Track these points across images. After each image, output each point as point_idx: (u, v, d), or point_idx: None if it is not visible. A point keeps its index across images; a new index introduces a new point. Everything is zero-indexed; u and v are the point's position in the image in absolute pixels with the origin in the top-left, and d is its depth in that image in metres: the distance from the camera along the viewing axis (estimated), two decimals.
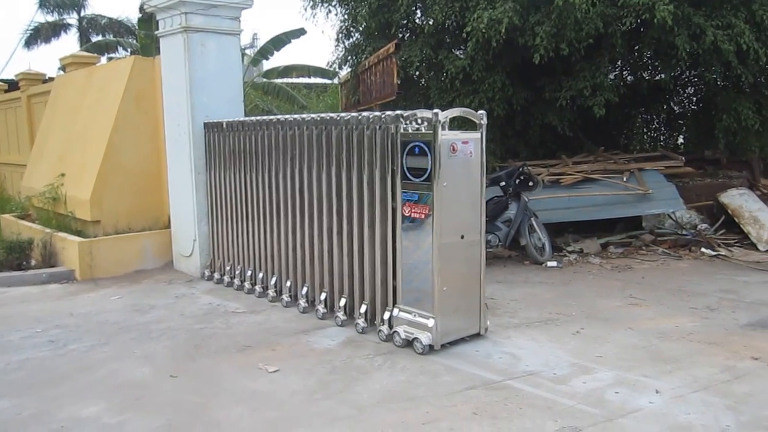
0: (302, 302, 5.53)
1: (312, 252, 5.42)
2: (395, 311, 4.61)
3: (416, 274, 4.45)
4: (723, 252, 7.91)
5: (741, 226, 8.44)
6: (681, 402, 3.70)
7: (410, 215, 4.41)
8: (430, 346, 4.39)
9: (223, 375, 4.21)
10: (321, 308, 5.28)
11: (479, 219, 4.50)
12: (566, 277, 6.76)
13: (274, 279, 5.91)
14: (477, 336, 4.63)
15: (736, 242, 8.31)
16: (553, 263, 7.30)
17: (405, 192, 4.44)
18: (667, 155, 9.35)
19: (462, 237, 4.42)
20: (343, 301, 5.11)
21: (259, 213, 5.99)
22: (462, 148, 4.36)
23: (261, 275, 6.06)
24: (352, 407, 3.69)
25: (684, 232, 8.78)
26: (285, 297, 5.72)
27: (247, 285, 6.16)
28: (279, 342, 4.80)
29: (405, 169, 4.42)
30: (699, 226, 8.87)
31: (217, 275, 6.59)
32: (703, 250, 7.98)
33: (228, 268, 6.48)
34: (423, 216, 4.33)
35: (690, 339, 4.77)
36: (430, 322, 4.39)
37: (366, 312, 4.90)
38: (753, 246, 8.13)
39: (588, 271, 7.11)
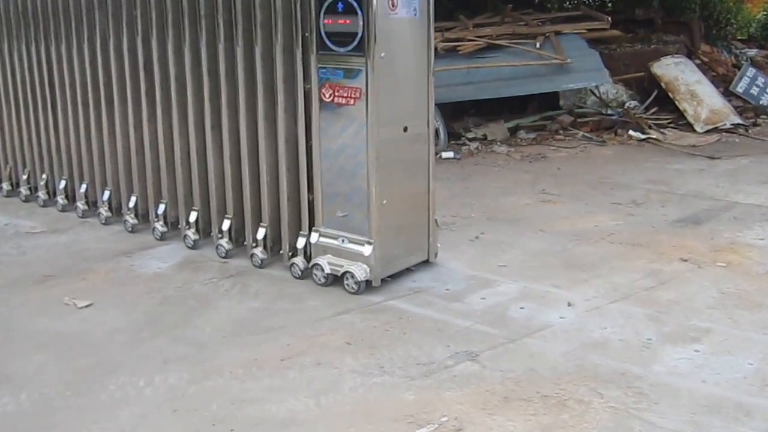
0: (130, 219, 5.40)
1: (168, 154, 5.08)
2: (314, 237, 4.42)
3: (343, 183, 4.24)
4: (654, 135, 8.42)
5: (676, 102, 8.97)
6: (597, 315, 3.98)
7: (332, 100, 4.13)
8: (368, 282, 4.25)
9: (15, 315, 4.10)
10: (191, 233, 5.00)
11: (427, 104, 4.32)
12: (465, 171, 6.98)
13: (84, 187, 5.73)
14: (425, 264, 4.62)
15: (669, 122, 8.85)
16: (449, 154, 7.49)
17: (324, 68, 4.12)
18: (591, 15, 9.63)
19: (405, 129, 4.23)
20: (227, 224, 4.83)
21: (70, 100, 5.66)
22: (404, 2, 4.08)
23: (64, 183, 5.91)
24: (191, 344, 3.70)
25: (609, 112, 9.23)
26: (103, 210, 5.57)
27: (56, 198, 6.02)
28: (92, 268, 4.72)
29: (323, 34, 4.08)
30: (627, 104, 9.34)
31: (5, 185, 6.40)
32: (631, 133, 8.45)
33: (26, 176, 6.26)
34: (352, 101, 4.06)
35: (611, 240, 5.11)
36: (367, 250, 4.23)
37: (266, 239, 4.65)
38: (689, 126, 8.71)
39: (492, 163, 7.37)
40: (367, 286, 4.25)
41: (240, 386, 3.31)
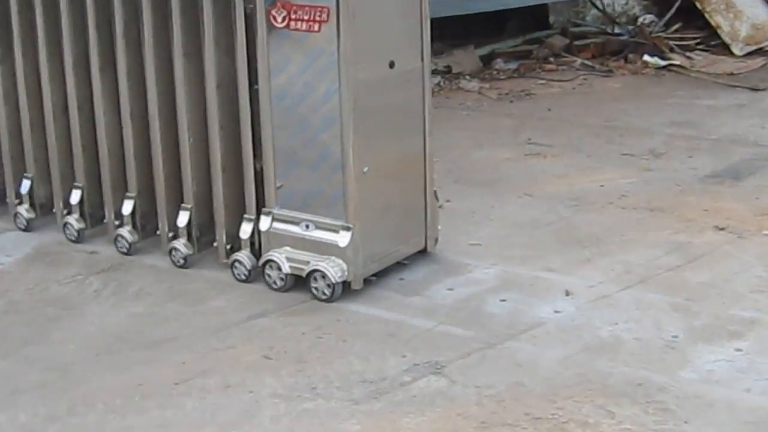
0: None
1: (33, 109, 4.96)
2: (264, 222, 4.37)
3: (306, 145, 4.17)
4: (677, 60, 8.48)
5: (706, 15, 9.01)
6: (604, 307, 4.03)
7: (287, 25, 4.10)
8: (345, 285, 4.17)
9: None
10: (73, 220, 4.87)
11: (420, 28, 4.27)
12: None
13: None
14: (421, 254, 4.58)
15: (698, 43, 8.92)
16: None
17: None
18: None
19: (391, 65, 4.20)
20: (128, 206, 4.71)
21: None
22: None
23: None
24: (49, 368, 3.67)
25: (617, 31, 9.26)
26: None
27: None
28: None
29: None
30: (641, 19, 9.38)
31: None
32: (646, 58, 8.51)
33: None
34: (316, 26, 4.06)
35: (622, 205, 5.17)
36: (343, 238, 4.18)
37: (190, 226, 4.56)
38: (725, 48, 8.78)
39: (460, 104, 7.40)
40: (344, 290, 4.17)
41: (119, 422, 3.29)
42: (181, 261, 4.58)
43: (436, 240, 4.59)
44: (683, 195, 5.31)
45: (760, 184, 5.45)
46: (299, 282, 4.22)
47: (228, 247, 4.50)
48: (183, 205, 4.59)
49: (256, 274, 4.31)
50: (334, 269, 4.12)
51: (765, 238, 4.69)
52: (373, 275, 4.29)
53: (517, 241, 4.75)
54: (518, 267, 4.44)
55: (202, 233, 4.61)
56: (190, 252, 4.57)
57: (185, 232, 4.58)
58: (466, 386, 3.42)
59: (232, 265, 4.44)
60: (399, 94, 4.30)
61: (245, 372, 3.59)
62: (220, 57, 4.35)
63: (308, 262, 4.18)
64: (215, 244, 4.56)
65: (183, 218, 4.58)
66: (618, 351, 3.68)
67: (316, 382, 3.50)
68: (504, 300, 4.12)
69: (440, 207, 4.68)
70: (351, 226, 4.16)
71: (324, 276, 4.14)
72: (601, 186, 5.49)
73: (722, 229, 4.80)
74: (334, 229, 4.18)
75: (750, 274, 4.30)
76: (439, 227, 4.62)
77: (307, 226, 4.25)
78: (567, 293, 4.16)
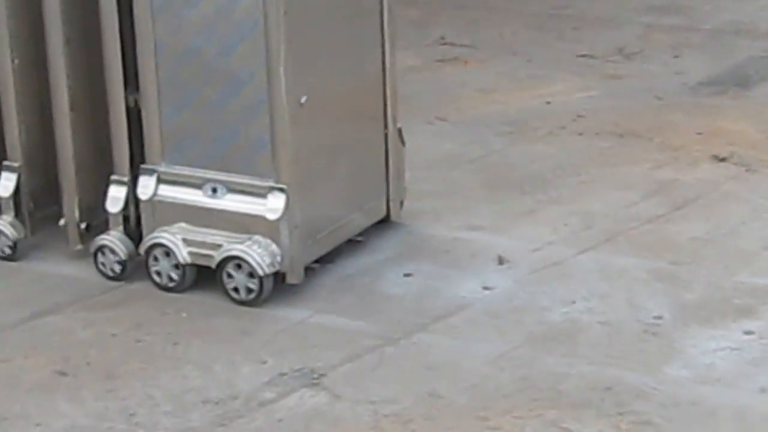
0: None
1: None
2: (146, 185, 4.35)
3: (210, 70, 4.19)
4: None
5: None
6: (555, 278, 4.09)
7: None
8: (276, 278, 4.18)
9: None
10: None
11: None
12: None
13: None
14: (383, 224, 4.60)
15: None
16: None
17: None
18: None
19: None
20: None
21: None
22: None
23: None
24: None
25: None
26: None
27: None
28: None
29: None
30: None
31: None
32: None
33: None
34: None
35: (578, 130, 5.23)
36: (273, 206, 4.21)
37: (16, 194, 4.52)
38: None
39: None
40: (275, 284, 4.15)
41: None
42: (7, 250, 4.52)
43: (401, 203, 4.62)
44: (667, 112, 5.37)
45: None
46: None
47: (82, 226, 4.45)
48: (6, 163, 4.55)
49: (135, 267, 4.28)
50: (262, 255, 4.12)
51: None
52: (316, 262, 4.27)
53: (426, 187, 4.77)
54: (429, 225, 4.47)
55: (38, 205, 4.59)
56: (20, 234, 4.52)
57: (11, 204, 4.53)
58: (357, 402, 3.43)
59: (95, 255, 4.38)
60: None
61: (28, 396, 3.55)
62: None
63: (219, 246, 4.19)
64: (62, 221, 4.48)
65: (7, 184, 4.53)
66: (576, 342, 3.71)
67: (134, 405, 3.48)
68: (409, 275, 4.15)
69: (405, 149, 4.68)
70: (285, 186, 4.16)
71: (247, 264, 4.13)
72: (548, 103, 5.54)
73: (723, 159, 4.87)
74: (259, 193, 4.20)
75: (763, 223, 4.36)
76: (406, 185, 4.64)
77: (215, 190, 4.26)
78: (500, 261, 4.20)
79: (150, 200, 4.29)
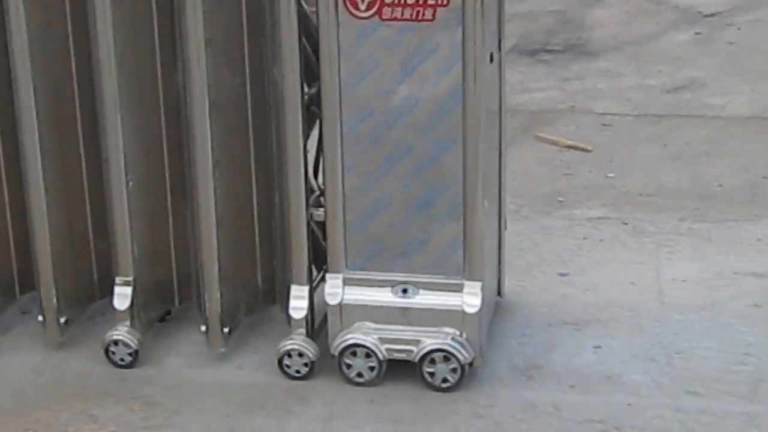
0: None
1: None
2: (332, 289, 4.32)
3: (404, 180, 4.18)
4: None
5: None
6: None
7: (378, 13, 3.97)
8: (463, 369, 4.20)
9: None
10: None
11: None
12: None
13: None
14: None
15: None
16: None
17: None
18: None
19: (491, 59, 4.20)
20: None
21: None
22: None
23: None
24: None
25: None
26: None
27: None
28: None
29: None
30: None
31: None
32: None
33: None
34: (430, 12, 3.93)
35: None
36: (471, 301, 4.20)
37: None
38: None
39: None
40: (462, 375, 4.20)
41: None
42: (128, 358, 4.49)
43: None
44: None
45: None
46: None
47: (226, 330, 4.47)
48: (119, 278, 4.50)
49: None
50: (462, 346, 4.20)
51: None
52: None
53: None
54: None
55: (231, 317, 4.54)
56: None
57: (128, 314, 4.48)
58: None
59: (280, 361, 4.38)
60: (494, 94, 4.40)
61: None
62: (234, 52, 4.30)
63: (418, 341, 4.22)
64: (203, 327, 4.48)
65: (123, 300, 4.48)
66: None
67: None
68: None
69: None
70: (480, 282, 4.19)
71: (449, 357, 4.20)
72: None
73: None
74: (453, 289, 4.22)
75: None
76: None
77: (405, 291, 4.31)
78: None
79: (338, 304, 4.27)
